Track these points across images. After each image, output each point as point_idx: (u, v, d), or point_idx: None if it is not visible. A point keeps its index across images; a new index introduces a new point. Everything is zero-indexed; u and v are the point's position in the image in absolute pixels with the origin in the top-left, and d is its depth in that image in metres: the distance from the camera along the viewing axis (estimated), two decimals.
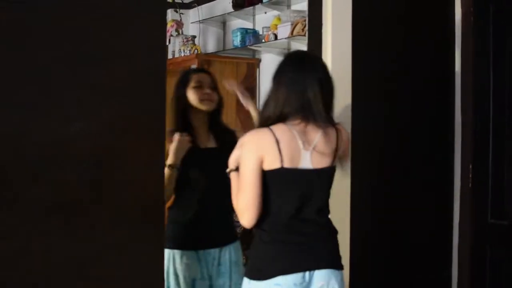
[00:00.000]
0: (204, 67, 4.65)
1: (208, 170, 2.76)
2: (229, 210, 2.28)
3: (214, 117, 2.88)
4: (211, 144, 2.85)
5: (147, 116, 1.97)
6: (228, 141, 2.63)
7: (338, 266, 2.25)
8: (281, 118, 2.19)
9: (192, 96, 2.80)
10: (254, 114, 3.00)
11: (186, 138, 2.72)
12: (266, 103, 2.25)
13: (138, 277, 1.91)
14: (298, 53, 2.63)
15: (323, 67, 2.27)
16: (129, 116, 1.93)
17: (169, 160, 2.71)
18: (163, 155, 2.07)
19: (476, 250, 3.37)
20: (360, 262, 3.00)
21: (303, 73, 2.20)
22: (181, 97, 2.83)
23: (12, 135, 1.72)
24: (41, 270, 1.76)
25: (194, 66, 4.94)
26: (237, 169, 2.24)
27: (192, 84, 2.82)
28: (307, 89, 2.18)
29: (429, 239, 3.44)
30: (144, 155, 1.96)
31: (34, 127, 1.76)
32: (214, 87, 2.85)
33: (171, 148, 2.71)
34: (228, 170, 2.28)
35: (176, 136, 2.72)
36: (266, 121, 2.21)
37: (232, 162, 2.27)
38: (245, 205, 2.16)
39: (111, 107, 1.90)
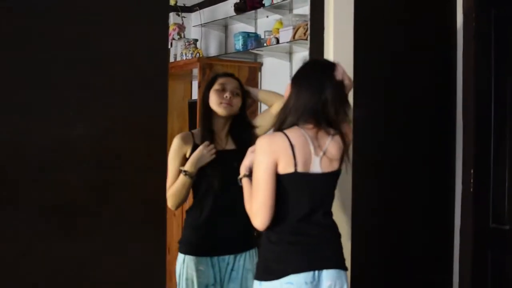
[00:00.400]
0: (207, 71, 4.67)
1: (224, 173, 2.72)
2: (245, 216, 2.27)
3: (235, 122, 2.84)
4: (229, 146, 2.83)
5: (148, 117, 1.98)
6: (246, 143, 2.59)
7: (343, 267, 2.29)
8: (296, 121, 2.23)
9: (212, 99, 2.79)
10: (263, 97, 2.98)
11: (211, 151, 2.72)
12: (284, 106, 2.29)
13: (138, 277, 1.91)
14: (318, 59, 2.75)
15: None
16: (131, 118, 1.94)
17: (187, 167, 2.71)
18: (165, 156, 2.07)
19: (477, 255, 3.35)
20: (361, 264, 2.99)
21: (322, 77, 2.26)
22: (204, 99, 2.83)
23: (12, 136, 1.72)
24: (41, 270, 1.76)
25: (195, 69, 4.94)
26: (249, 175, 2.27)
27: (215, 86, 2.81)
28: (325, 92, 2.22)
29: (430, 243, 3.43)
30: (145, 156, 1.96)
31: (34, 128, 1.76)
32: (237, 93, 2.82)
33: (193, 157, 2.71)
34: (239, 177, 2.31)
35: (201, 147, 2.72)
36: (281, 124, 2.26)
37: (243, 169, 2.31)
38: (259, 208, 2.19)
39: (112, 108, 1.90)
